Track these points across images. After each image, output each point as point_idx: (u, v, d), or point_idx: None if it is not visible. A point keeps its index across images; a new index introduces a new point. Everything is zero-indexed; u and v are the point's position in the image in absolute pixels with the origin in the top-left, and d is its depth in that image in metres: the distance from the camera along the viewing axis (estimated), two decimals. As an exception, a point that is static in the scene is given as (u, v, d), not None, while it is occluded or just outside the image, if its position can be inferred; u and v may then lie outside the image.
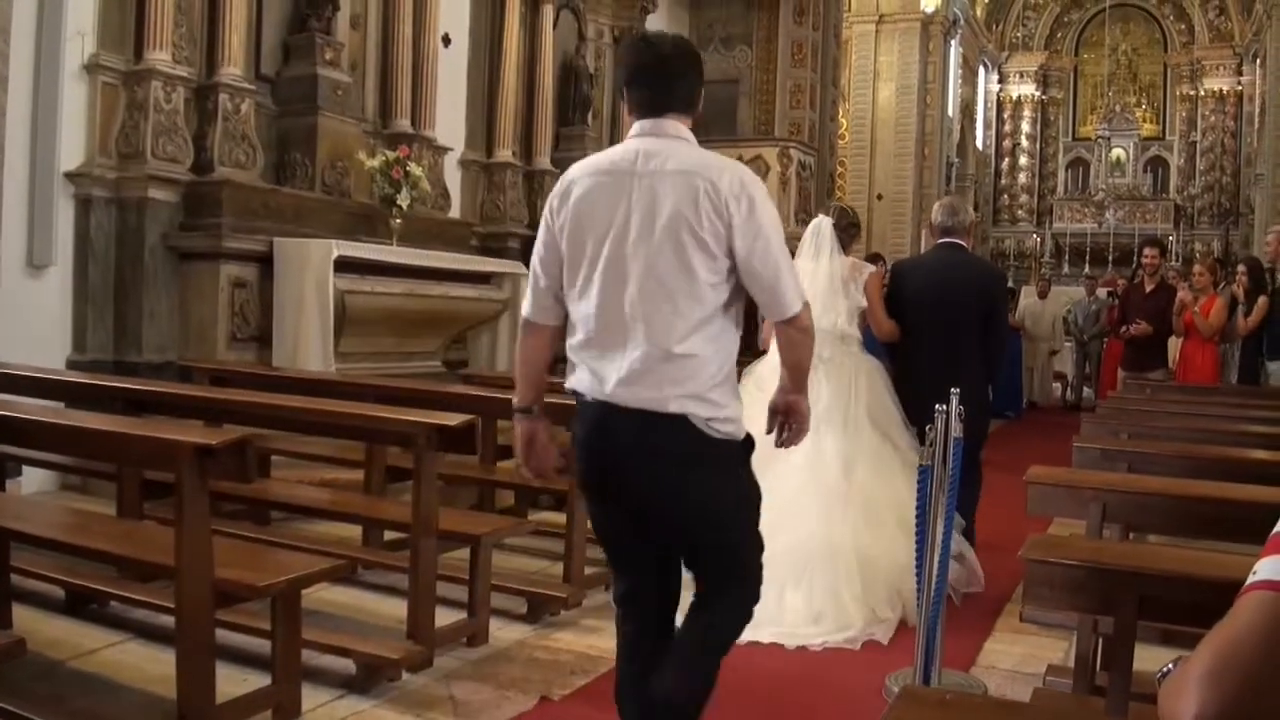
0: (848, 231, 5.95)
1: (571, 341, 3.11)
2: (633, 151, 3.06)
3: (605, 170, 3.07)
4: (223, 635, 3.67)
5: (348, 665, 4.14)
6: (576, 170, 3.13)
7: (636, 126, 3.12)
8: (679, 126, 3.14)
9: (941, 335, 5.90)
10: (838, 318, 5.67)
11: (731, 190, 2.98)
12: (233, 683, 3.72)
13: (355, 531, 5.76)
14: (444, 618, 4.52)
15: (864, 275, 5.85)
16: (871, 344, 6.05)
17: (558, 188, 3.13)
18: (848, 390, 5.54)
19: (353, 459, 5.98)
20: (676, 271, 2.95)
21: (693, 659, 3.12)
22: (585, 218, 3.04)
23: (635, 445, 2.99)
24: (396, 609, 4.66)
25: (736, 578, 3.13)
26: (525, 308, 3.24)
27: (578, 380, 3.08)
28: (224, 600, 3.44)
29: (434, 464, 4.40)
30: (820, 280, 5.65)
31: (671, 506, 3.02)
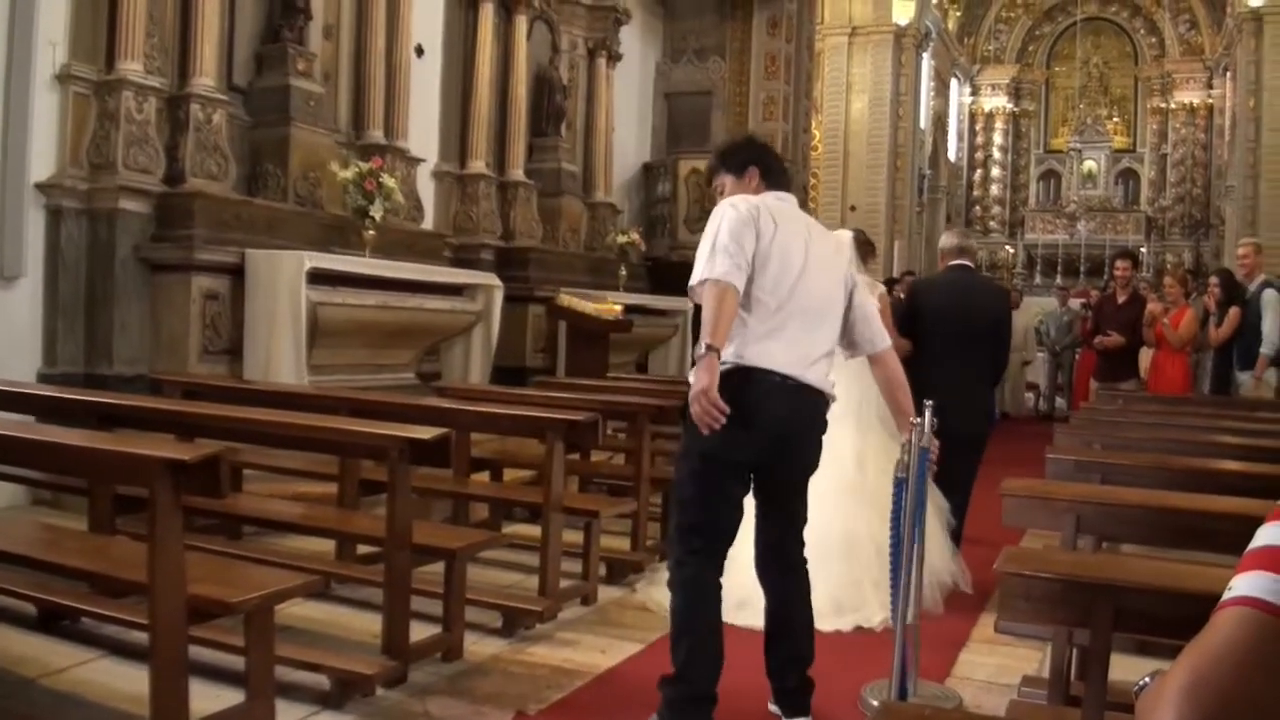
0: (864, 249, 6.49)
1: (762, 327, 3.89)
2: (797, 208, 4.20)
3: (791, 213, 4.08)
4: (195, 652, 3.63)
5: (322, 681, 4.11)
6: (771, 206, 4.00)
7: (777, 194, 4.13)
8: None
9: (955, 348, 6.53)
10: None
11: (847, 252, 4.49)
12: (206, 700, 3.69)
13: (329, 545, 5.73)
14: (418, 632, 4.50)
15: (876, 292, 6.25)
16: None
17: (764, 210, 3.95)
18: (862, 394, 5.88)
19: (326, 472, 5.95)
20: (840, 291, 4.16)
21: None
22: (790, 241, 3.96)
23: (813, 416, 4.03)
24: (371, 624, 4.64)
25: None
26: (730, 273, 3.79)
27: (769, 358, 3.87)
28: (197, 616, 3.41)
29: (407, 477, 4.38)
30: None
31: (811, 465, 4.14)
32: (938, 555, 5.78)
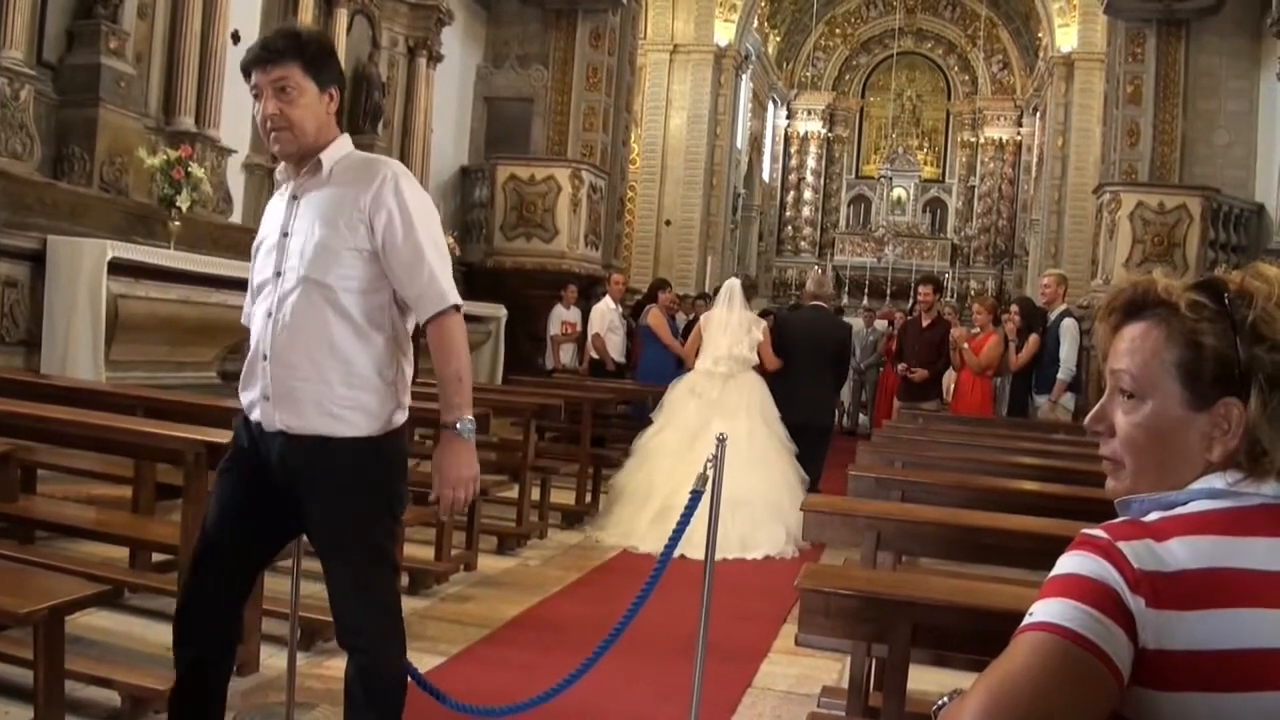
0: (748, 291, 9.25)
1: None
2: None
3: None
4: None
5: (113, 697, 3.93)
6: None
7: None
8: None
9: (812, 366, 8.99)
10: (745, 349, 8.60)
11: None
12: (-9, 716, 3.51)
13: (123, 552, 5.49)
14: (212, 642, 4.34)
15: (760, 325, 8.84)
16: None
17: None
18: (747, 395, 8.48)
19: (122, 475, 5.71)
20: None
21: None
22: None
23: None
24: (165, 635, 4.41)
25: None
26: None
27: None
28: (-19, 626, 3.23)
29: (204, 483, 4.21)
30: (734, 323, 8.68)
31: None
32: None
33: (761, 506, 7.82)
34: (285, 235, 3.05)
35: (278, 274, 3.03)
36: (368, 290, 3.05)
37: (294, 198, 3.10)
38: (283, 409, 3.01)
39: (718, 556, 6.14)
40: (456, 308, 3.16)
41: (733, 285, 9.07)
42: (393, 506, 3.18)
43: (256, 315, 3.09)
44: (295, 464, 3.03)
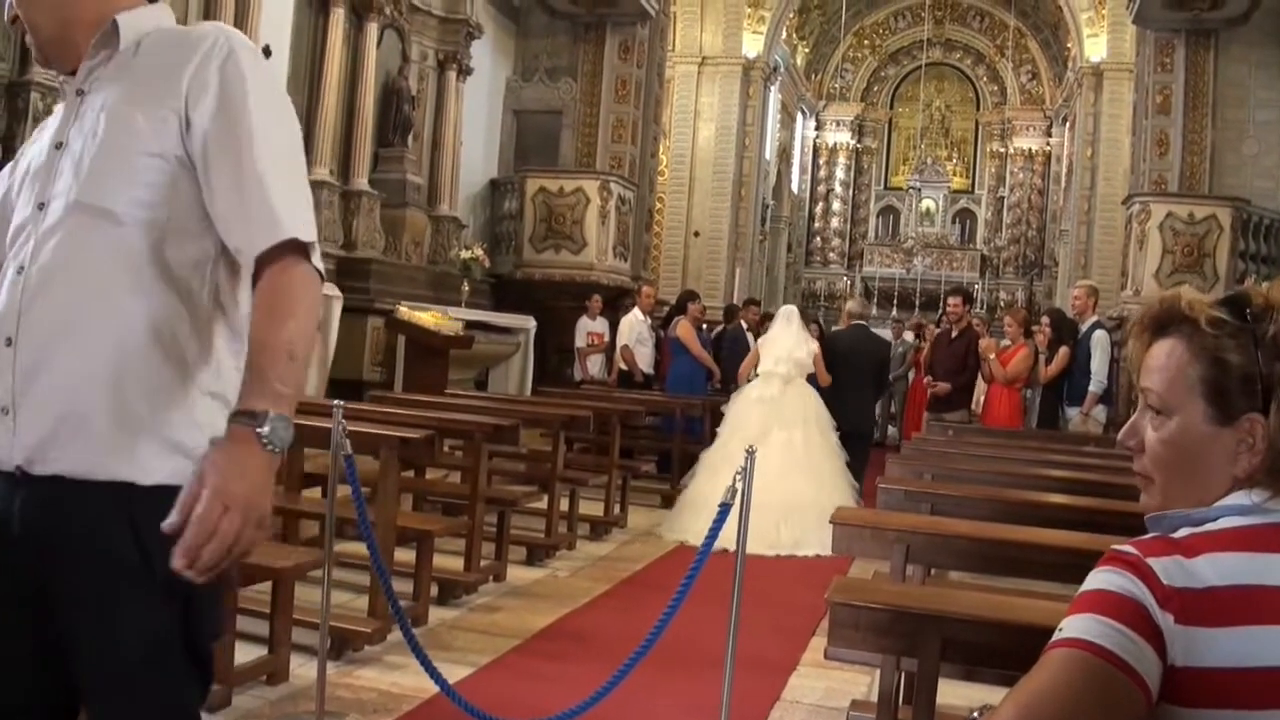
0: (805, 316, 10.34)
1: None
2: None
3: None
4: None
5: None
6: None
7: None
8: None
9: (855, 378, 10.15)
10: (803, 353, 9.43)
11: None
12: None
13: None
14: (243, 654, 4.37)
15: (814, 342, 9.92)
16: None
17: None
18: (803, 405, 9.27)
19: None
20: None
21: None
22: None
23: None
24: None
25: None
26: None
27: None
28: None
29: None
30: (791, 335, 9.54)
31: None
32: None
33: (813, 512, 8.13)
34: (59, 146, 1.96)
35: (40, 206, 1.92)
36: (178, 227, 1.91)
37: (79, 93, 2.00)
38: (29, 428, 1.83)
39: (773, 553, 8.08)
40: (305, 252, 1.91)
41: (791, 309, 10.17)
42: (206, 620, 1.92)
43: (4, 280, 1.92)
44: (43, 532, 1.83)
